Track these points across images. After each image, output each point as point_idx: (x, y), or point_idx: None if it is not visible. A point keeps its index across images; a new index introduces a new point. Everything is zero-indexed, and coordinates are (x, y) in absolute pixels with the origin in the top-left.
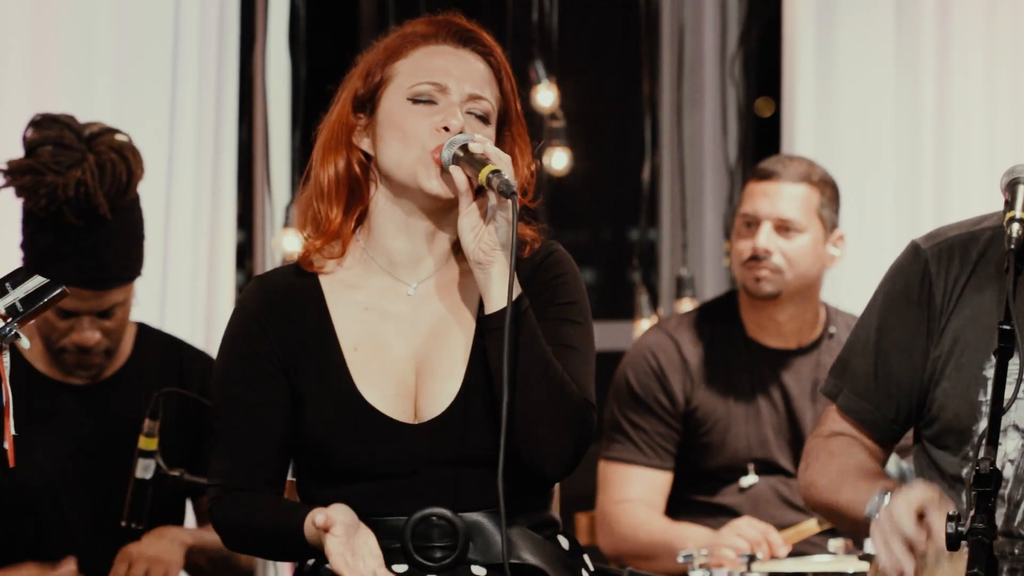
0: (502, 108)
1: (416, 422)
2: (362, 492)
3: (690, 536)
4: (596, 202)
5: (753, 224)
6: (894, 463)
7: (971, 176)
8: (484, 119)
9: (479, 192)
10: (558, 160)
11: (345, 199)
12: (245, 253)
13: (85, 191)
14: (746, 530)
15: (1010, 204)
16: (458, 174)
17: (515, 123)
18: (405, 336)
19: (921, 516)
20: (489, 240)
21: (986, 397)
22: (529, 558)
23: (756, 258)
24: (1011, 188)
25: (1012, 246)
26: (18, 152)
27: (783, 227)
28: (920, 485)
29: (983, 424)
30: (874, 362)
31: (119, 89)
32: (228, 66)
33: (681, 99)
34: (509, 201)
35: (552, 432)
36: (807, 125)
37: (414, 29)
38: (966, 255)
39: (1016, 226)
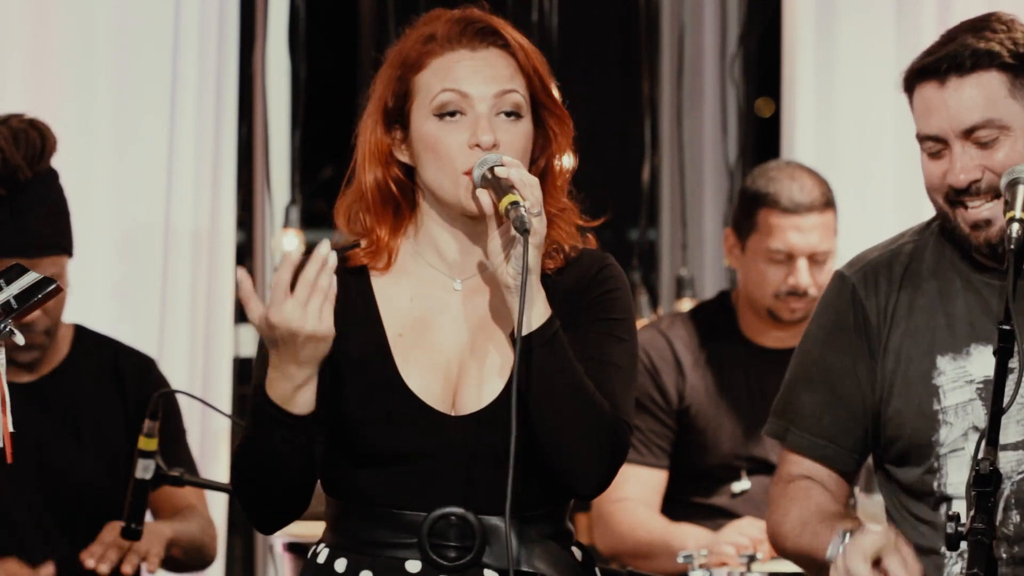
0: (533, 94)
1: (454, 414)
2: (387, 478)
3: (690, 536)
4: (596, 202)
5: (785, 257)
6: None
7: None
8: (516, 114)
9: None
10: None
11: (391, 216)
12: (245, 253)
13: (3, 157)
14: (748, 529)
15: (1010, 204)
16: (484, 197)
17: (551, 104)
18: (451, 327)
19: (877, 561)
20: (513, 267)
21: (940, 405)
22: (541, 566)
23: (794, 293)
24: (1011, 188)
25: (1012, 246)
26: None
27: (815, 257)
28: (874, 530)
29: (943, 433)
30: (823, 397)
31: (119, 89)
32: (228, 66)
33: (681, 99)
34: (523, 236)
35: (582, 451)
36: (807, 125)
37: (433, 31)
38: (891, 274)
39: (1016, 226)
